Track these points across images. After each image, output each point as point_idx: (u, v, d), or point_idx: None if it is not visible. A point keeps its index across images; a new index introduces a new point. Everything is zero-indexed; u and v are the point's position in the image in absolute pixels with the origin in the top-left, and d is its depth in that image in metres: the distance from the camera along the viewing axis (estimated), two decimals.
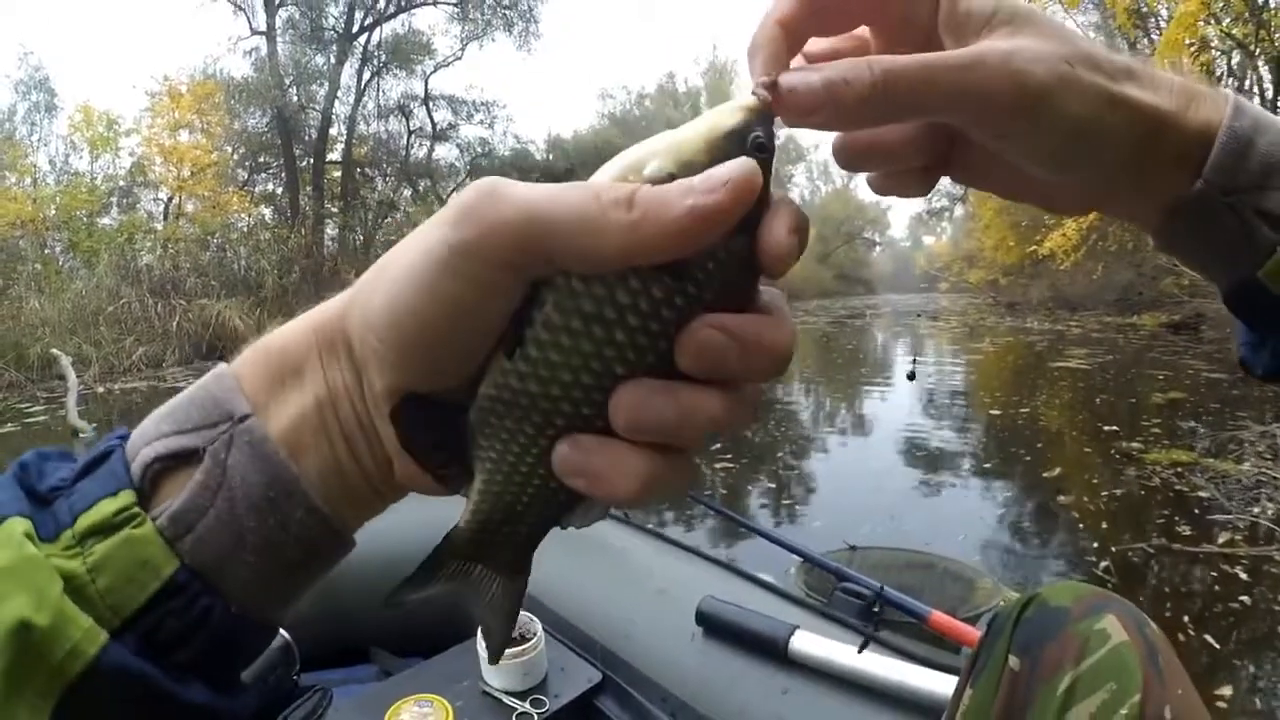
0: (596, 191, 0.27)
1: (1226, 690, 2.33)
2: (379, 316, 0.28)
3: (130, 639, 0.26)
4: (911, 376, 8.89)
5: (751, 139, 0.29)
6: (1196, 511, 3.95)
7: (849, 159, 0.38)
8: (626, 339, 0.28)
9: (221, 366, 0.31)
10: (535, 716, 1.15)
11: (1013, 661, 0.60)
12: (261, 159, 20.49)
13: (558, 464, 0.29)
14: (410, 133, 22.64)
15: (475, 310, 0.27)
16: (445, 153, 23.74)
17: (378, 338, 0.28)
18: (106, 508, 0.27)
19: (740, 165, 0.27)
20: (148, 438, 0.29)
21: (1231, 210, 0.34)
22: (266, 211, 20.40)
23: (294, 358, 0.30)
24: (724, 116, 0.29)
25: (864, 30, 0.38)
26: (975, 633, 1.06)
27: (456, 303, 0.27)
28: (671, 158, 0.28)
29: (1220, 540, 3.53)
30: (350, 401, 0.30)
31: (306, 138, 20.37)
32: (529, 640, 1.22)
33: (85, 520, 0.26)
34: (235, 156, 20.10)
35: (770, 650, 1.06)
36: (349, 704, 1.17)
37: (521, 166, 23.45)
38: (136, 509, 0.27)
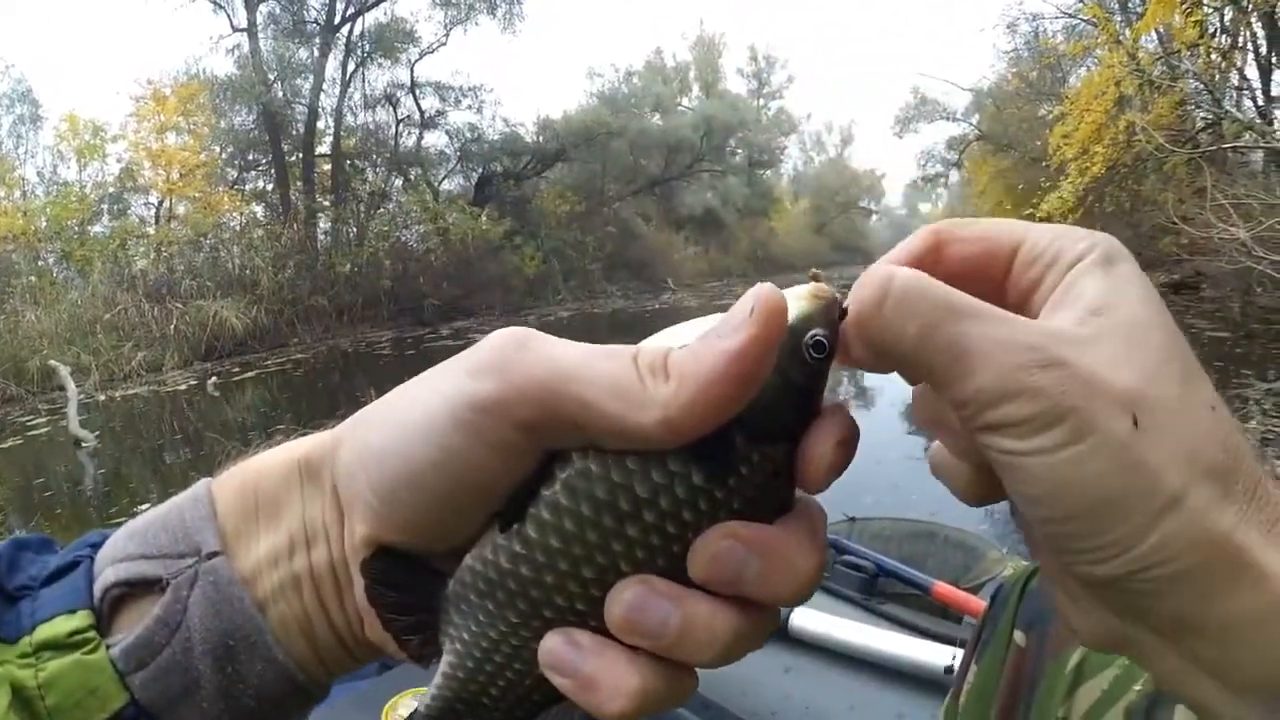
0: (634, 357, 0.25)
1: None
2: (373, 460, 0.26)
3: None
4: None
5: (810, 337, 0.25)
6: None
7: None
8: (639, 535, 0.25)
9: (199, 487, 0.30)
10: None
11: (1018, 637, 0.57)
12: (250, 156, 20.39)
13: (545, 657, 0.26)
14: (398, 122, 22.52)
15: (481, 472, 0.25)
16: (435, 140, 23.60)
17: (367, 482, 0.26)
18: (63, 625, 0.26)
19: (754, 294, 0.24)
20: (114, 555, 0.28)
21: None
22: (258, 209, 20.40)
23: (271, 490, 0.29)
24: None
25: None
26: (981, 603, 1.04)
27: (463, 461, 0.25)
28: None
29: None
30: (327, 544, 0.28)
31: (294, 132, 20.25)
32: None
33: (43, 632, 0.26)
34: (224, 156, 20.01)
35: None
36: (346, 699, 1.16)
37: (512, 149, 23.36)
38: (92, 633, 0.26)
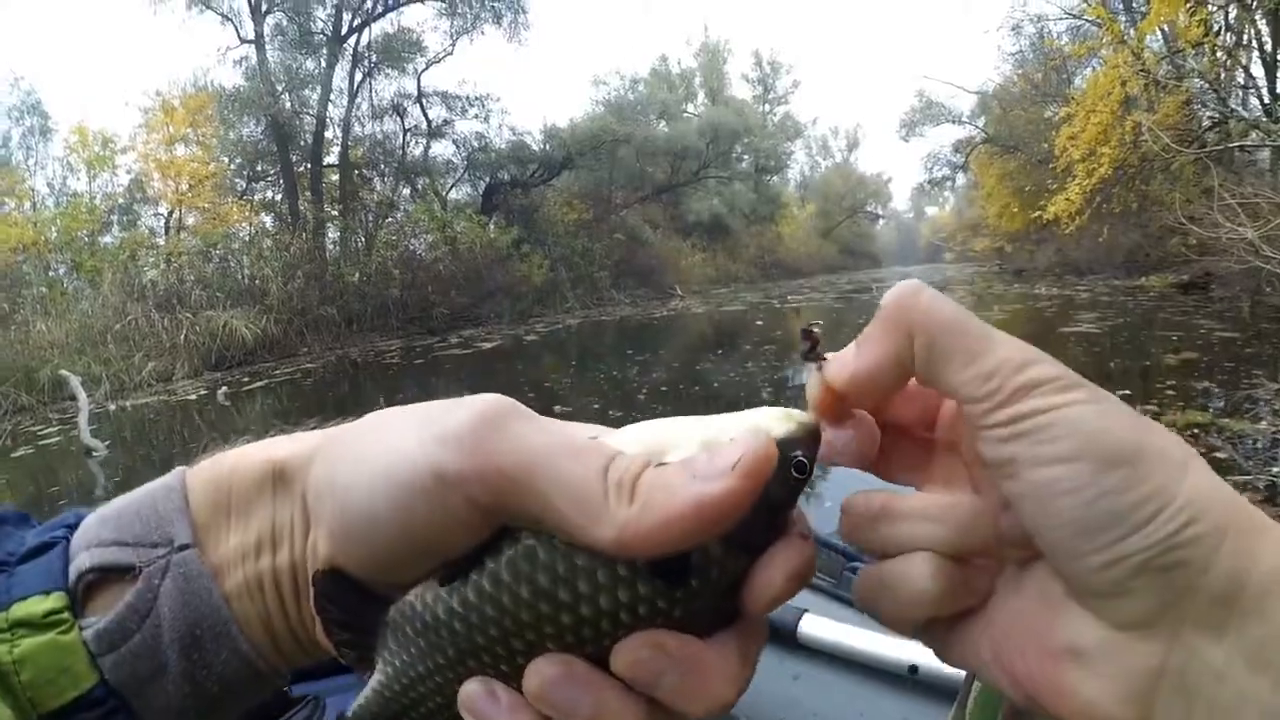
0: (604, 469, 0.25)
1: None
2: (340, 495, 0.27)
3: None
4: None
5: (792, 458, 0.26)
6: (1214, 473, 3.91)
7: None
8: (572, 624, 0.25)
9: (173, 476, 0.31)
10: None
11: None
12: (259, 167, 20.53)
13: (463, 700, 0.27)
14: (405, 131, 22.60)
15: (435, 533, 0.26)
16: (442, 149, 23.74)
17: (330, 511, 0.28)
18: (38, 606, 0.27)
19: (750, 444, 0.24)
20: (89, 540, 0.29)
21: None
22: (267, 219, 20.52)
23: (244, 490, 0.30)
24: (770, 422, 0.27)
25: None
26: None
27: (419, 521, 0.26)
28: (700, 451, 0.26)
29: None
30: (291, 548, 0.29)
31: (302, 143, 20.35)
32: None
33: (19, 610, 0.27)
34: (232, 166, 20.18)
35: (779, 635, 1.04)
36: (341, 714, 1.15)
37: (519, 158, 23.39)
38: (67, 614, 0.27)
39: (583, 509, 0.24)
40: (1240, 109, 12.94)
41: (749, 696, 1.04)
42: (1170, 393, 5.72)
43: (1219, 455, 4.06)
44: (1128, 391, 5.97)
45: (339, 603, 0.28)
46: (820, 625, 1.02)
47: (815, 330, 0.29)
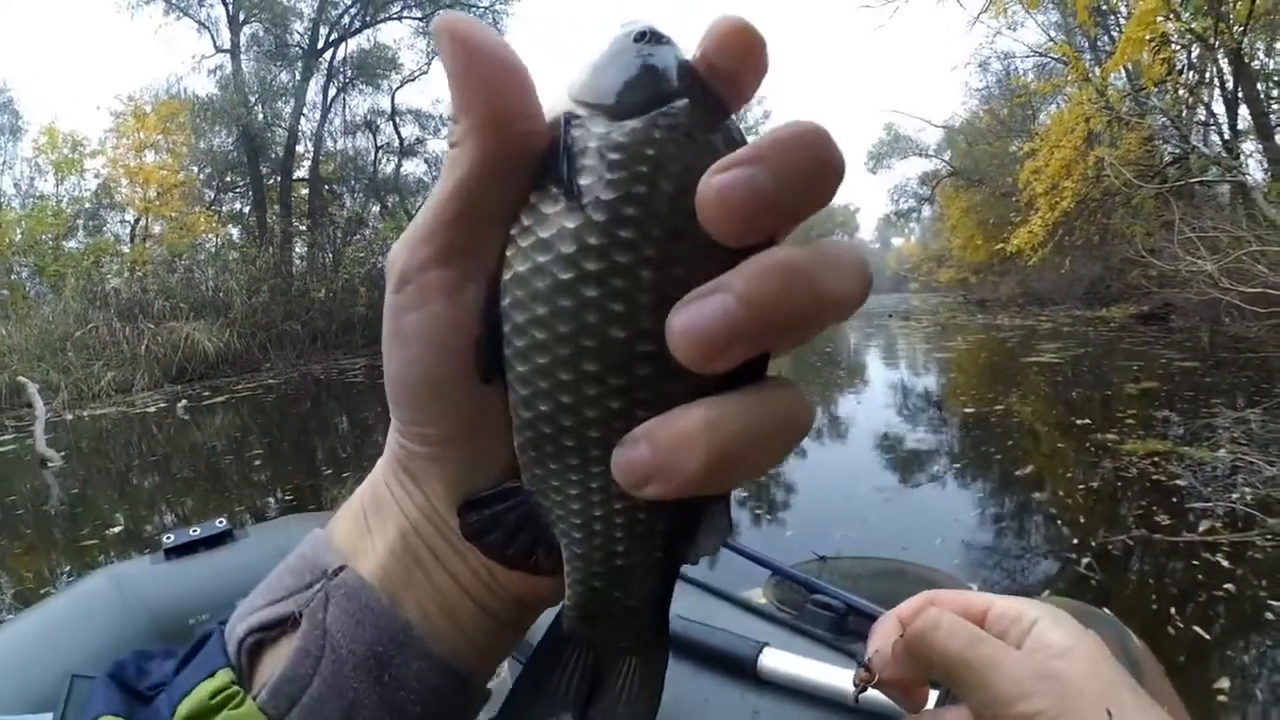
0: None
1: (1224, 683, 2.31)
2: (392, 403, 0.27)
3: None
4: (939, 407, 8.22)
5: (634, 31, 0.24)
6: (1175, 500, 3.96)
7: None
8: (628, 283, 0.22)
9: (313, 532, 0.29)
10: None
11: None
12: (228, 178, 20.25)
13: (620, 474, 0.22)
14: (378, 148, 22.49)
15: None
16: (413, 168, 23.61)
17: (400, 432, 0.27)
18: (203, 691, 0.25)
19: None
20: (241, 615, 0.27)
21: None
22: (234, 231, 20.21)
23: (373, 496, 0.29)
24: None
25: None
26: None
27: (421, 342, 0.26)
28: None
29: (1201, 529, 3.54)
30: (430, 521, 0.27)
31: (273, 155, 20.15)
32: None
33: (184, 708, 0.25)
34: (201, 176, 19.86)
35: (739, 669, 1.02)
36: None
37: None
38: (235, 688, 0.25)
39: None
40: (1201, 145, 13.36)
41: None
42: (1131, 421, 5.83)
43: (1179, 483, 4.14)
44: (1089, 420, 6.08)
45: (489, 522, 0.26)
46: (781, 659, 1.00)
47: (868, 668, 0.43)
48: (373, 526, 0.28)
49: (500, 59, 0.22)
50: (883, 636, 0.42)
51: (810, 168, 0.21)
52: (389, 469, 0.28)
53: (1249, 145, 12.94)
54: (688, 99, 0.22)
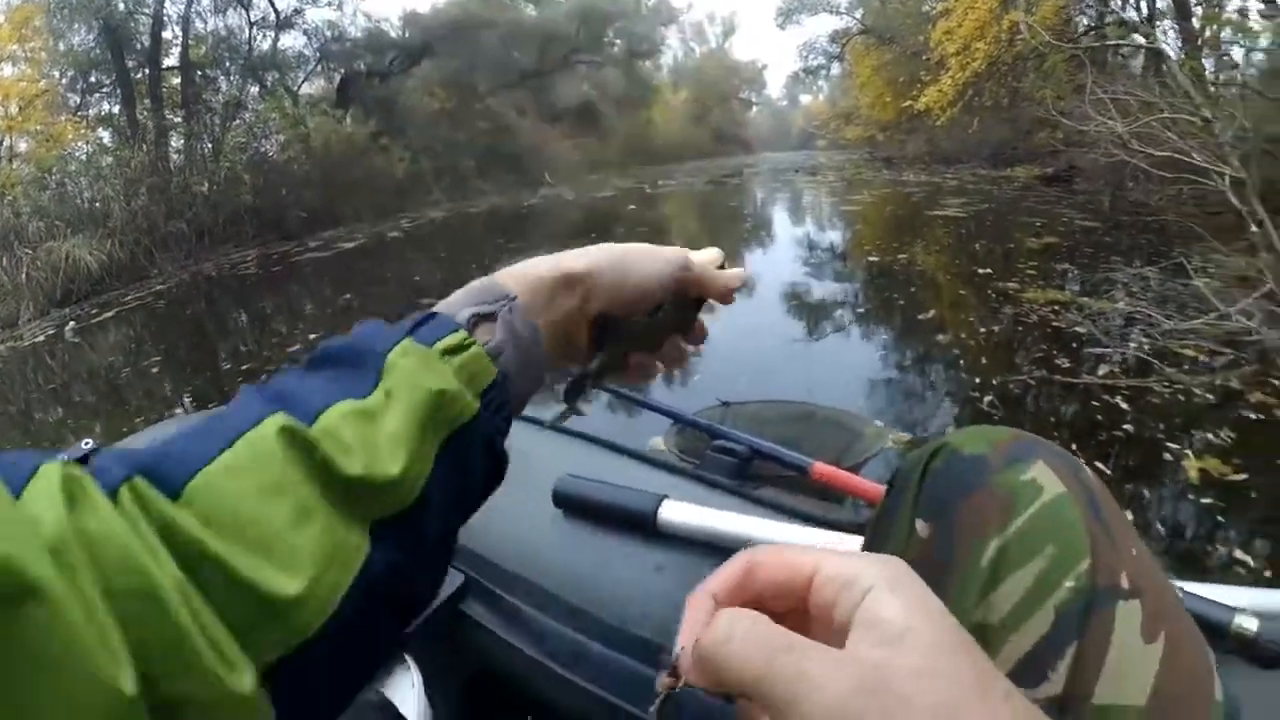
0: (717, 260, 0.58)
1: (1127, 516, 2.42)
2: (625, 298, 0.51)
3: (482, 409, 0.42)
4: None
5: None
6: (1074, 346, 4.11)
7: None
8: None
9: (484, 279, 0.48)
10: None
11: (920, 527, 0.47)
12: (93, 78, 18.09)
13: None
14: (252, 24, 20.27)
15: (658, 297, 0.53)
16: (292, 41, 21.54)
17: (609, 290, 0.50)
18: (454, 339, 0.42)
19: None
20: (457, 307, 0.45)
21: None
22: (104, 134, 18.29)
23: (545, 288, 0.48)
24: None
25: None
26: (863, 482, 0.97)
27: (657, 291, 0.52)
28: None
29: (1101, 372, 3.68)
30: (569, 317, 0.49)
31: (139, 46, 18.10)
32: None
33: (442, 344, 0.42)
34: (64, 81, 17.77)
35: (638, 524, 0.94)
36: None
37: (376, 46, 21.69)
38: (471, 339, 0.43)
39: (714, 282, 0.54)
40: (1120, 13, 13.31)
41: (610, 591, 0.91)
42: (1031, 272, 6.01)
43: (1079, 330, 4.29)
44: (990, 270, 6.22)
45: (604, 328, 0.50)
46: (681, 510, 0.92)
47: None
48: (543, 307, 0.48)
49: None
50: (692, 624, 0.30)
51: None
52: (566, 286, 0.49)
53: (1165, 24, 12.96)
54: None
